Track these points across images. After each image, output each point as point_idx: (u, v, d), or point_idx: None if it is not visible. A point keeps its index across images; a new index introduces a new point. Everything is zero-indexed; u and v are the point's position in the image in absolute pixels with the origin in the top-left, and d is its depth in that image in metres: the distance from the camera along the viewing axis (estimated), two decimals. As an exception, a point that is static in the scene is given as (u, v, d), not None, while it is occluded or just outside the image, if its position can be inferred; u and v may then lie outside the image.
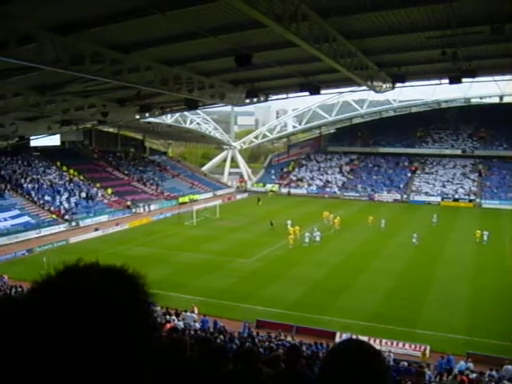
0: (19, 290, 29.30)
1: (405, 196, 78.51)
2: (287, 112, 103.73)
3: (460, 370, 21.62)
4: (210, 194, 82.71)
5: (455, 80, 29.67)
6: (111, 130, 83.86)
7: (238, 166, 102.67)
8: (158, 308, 28.35)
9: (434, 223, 56.35)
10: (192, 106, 38.00)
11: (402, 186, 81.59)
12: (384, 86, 32.43)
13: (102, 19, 18.23)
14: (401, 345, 25.67)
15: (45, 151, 69.70)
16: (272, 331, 26.46)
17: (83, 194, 64.85)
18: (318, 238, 46.46)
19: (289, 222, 51.30)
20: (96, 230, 53.69)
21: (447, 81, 30.76)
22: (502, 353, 23.74)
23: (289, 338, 25.24)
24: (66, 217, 57.52)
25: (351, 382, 1.56)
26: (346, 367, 1.57)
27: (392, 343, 25.66)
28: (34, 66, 20.53)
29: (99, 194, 67.27)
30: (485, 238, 47.33)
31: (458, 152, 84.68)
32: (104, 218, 60.72)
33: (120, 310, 1.11)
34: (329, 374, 1.61)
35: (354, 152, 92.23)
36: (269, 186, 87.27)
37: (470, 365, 22.34)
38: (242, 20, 18.65)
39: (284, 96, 40.64)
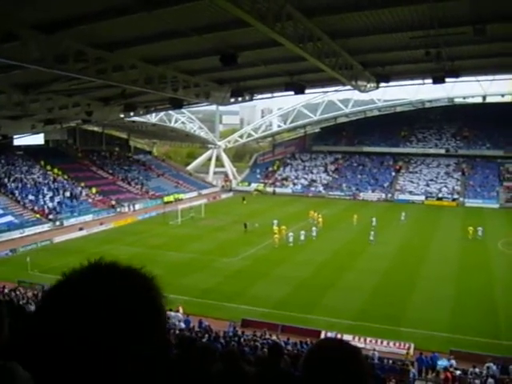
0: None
1: (389, 195, 78.96)
2: (272, 111, 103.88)
3: (444, 367, 21.83)
4: (194, 194, 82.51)
5: (439, 80, 29.88)
6: (96, 128, 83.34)
7: (223, 165, 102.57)
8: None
9: (402, 221, 57.15)
10: (177, 104, 37.93)
11: (386, 185, 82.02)
12: (368, 85, 32.61)
13: (86, 17, 18.11)
14: (385, 343, 25.83)
15: (28, 150, 69.11)
16: (257, 330, 26.50)
17: (67, 194, 64.44)
18: (302, 237, 46.56)
19: (275, 221, 51.33)
20: (80, 229, 53.38)
21: (431, 81, 30.95)
22: (484, 350, 24.04)
23: (274, 337, 25.29)
24: (50, 216, 57.10)
25: (333, 380, 1.59)
26: (327, 365, 1.60)
27: (376, 341, 25.81)
28: (18, 64, 20.36)
29: (83, 194, 66.87)
30: (479, 233, 48.99)
31: (442, 151, 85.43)
32: (88, 217, 60.41)
33: (139, 309, 1.17)
34: (311, 372, 1.64)
35: (338, 151, 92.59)
36: (254, 185, 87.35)
37: (453, 362, 22.56)
38: (226, 19, 18.62)
39: (269, 95, 40.71)
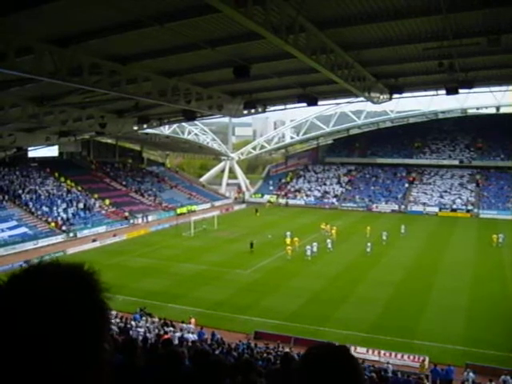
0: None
1: (402, 206, 78.54)
2: (285, 123, 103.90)
3: (462, 382, 21.57)
4: (207, 205, 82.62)
5: (452, 91, 29.74)
6: (109, 140, 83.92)
7: (236, 177, 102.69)
8: (156, 319, 28.33)
9: (403, 234, 56.38)
10: (190, 117, 38.05)
11: (399, 196, 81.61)
12: (381, 97, 32.54)
13: (100, 31, 18.29)
14: (399, 356, 25.55)
15: (43, 162, 69.72)
16: (270, 343, 26.35)
17: (81, 205, 64.78)
18: (315, 249, 46.29)
19: (288, 233, 51.17)
20: (94, 240, 53.61)
21: (444, 91, 30.84)
22: (500, 363, 23.69)
23: (287, 350, 25.10)
24: (64, 228, 57.41)
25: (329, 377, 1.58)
26: (322, 372, 1.58)
27: (390, 354, 25.54)
28: (32, 78, 20.56)
29: (97, 205, 67.20)
30: (500, 240, 50.28)
31: (456, 162, 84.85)
32: (102, 228, 60.62)
33: (76, 304, 1.18)
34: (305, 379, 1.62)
35: (351, 163, 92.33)
36: (267, 197, 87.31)
37: (471, 375, 22.22)
38: (240, 32, 18.73)
39: (282, 107, 40.78)
